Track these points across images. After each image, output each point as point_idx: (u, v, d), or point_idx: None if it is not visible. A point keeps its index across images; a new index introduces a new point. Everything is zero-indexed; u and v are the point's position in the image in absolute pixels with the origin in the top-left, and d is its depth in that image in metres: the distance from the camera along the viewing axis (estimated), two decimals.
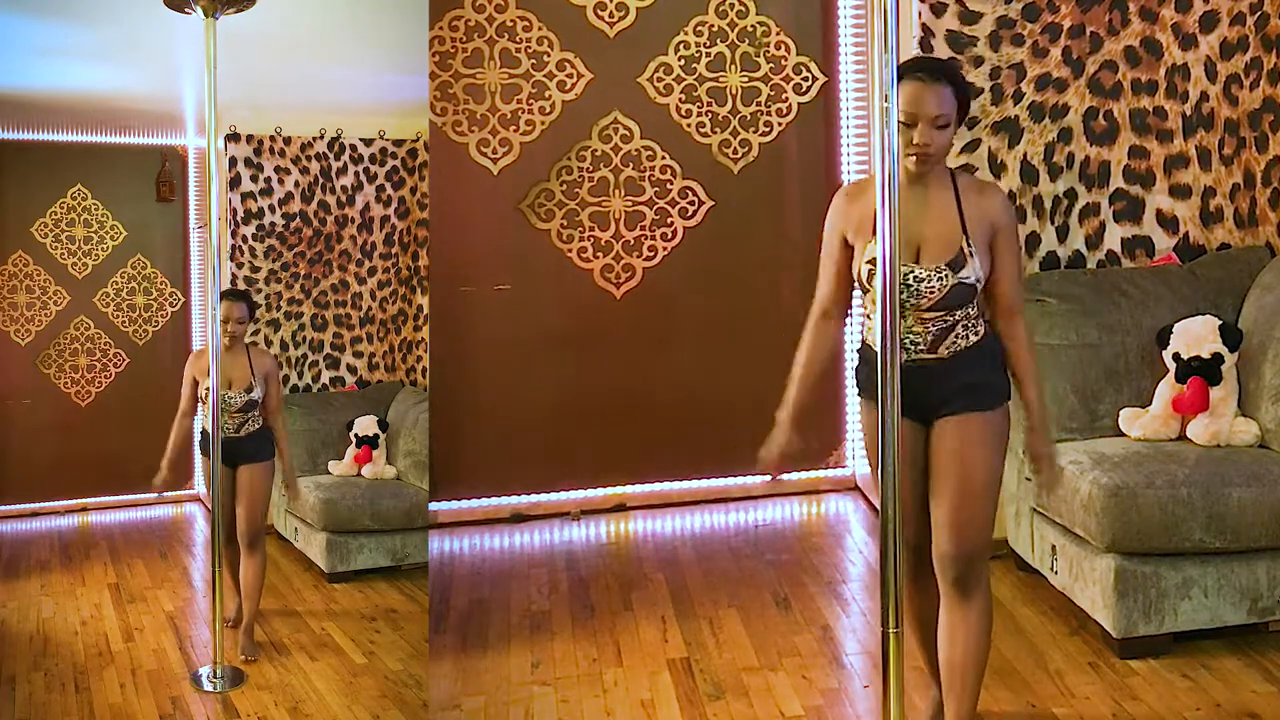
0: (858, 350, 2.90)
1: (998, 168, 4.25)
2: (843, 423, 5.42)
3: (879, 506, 2.30)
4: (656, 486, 5.31)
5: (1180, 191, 4.29)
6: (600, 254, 5.21)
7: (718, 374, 5.28)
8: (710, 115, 5.25)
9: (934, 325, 2.71)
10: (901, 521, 2.35)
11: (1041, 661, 3.42)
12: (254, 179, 5.08)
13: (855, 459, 5.41)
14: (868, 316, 2.78)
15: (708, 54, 5.23)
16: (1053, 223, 4.28)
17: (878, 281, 2.32)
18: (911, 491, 2.75)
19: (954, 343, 2.72)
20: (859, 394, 2.91)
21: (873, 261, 2.64)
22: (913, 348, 2.72)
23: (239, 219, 5.03)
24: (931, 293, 2.67)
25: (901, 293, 2.67)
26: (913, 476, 2.76)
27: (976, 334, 2.74)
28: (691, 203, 5.27)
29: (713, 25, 5.23)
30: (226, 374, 4.10)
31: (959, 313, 2.70)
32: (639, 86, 5.19)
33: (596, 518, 5.17)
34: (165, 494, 4.46)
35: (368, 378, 5.35)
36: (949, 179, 2.72)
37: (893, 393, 2.28)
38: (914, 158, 2.64)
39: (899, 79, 2.52)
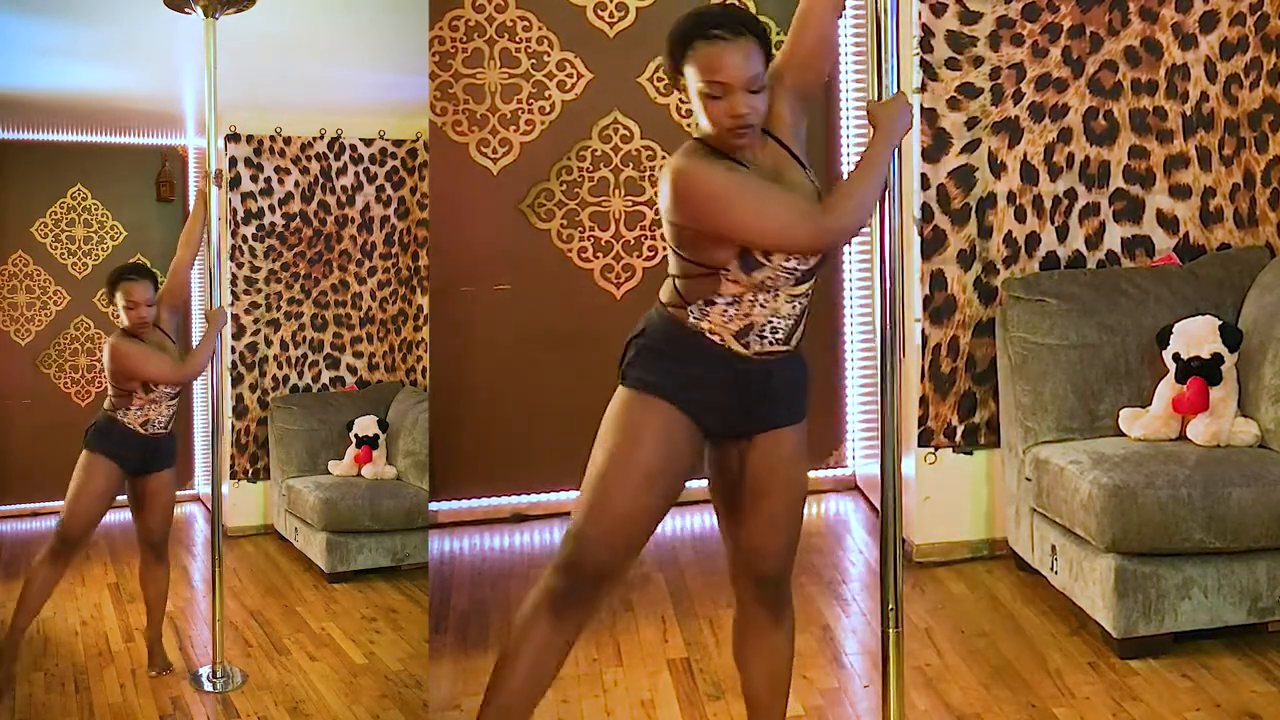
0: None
1: (998, 168, 4.25)
2: (843, 423, 5.41)
3: (879, 506, 2.30)
4: None
5: (1180, 191, 4.29)
6: (600, 254, 5.21)
7: None
8: None
9: (798, 305, 2.31)
10: (897, 522, 2.34)
11: (1041, 661, 3.42)
12: (254, 179, 5.08)
13: (855, 459, 5.41)
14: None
15: None
16: (1053, 223, 4.28)
17: (876, 282, 2.28)
18: (729, 517, 2.48)
19: (801, 331, 2.36)
20: (624, 384, 2.51)
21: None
22: (771, 335, 2.31)
23: (239, 219, 5.03)
24: (804, 260, 2.25)
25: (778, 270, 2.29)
26: (728, 499, 2.46)
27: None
28: None
29: None
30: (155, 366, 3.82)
31: (811, 294, 2.34)
32: (639, 86, 5.19)
33: None
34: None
35: (368, 378, 5.35)
36: (772, 141, 2.30)
37: (892, 390, 2.28)
38: (734, 132, 2.18)
39: (687, 41, 2.17)
